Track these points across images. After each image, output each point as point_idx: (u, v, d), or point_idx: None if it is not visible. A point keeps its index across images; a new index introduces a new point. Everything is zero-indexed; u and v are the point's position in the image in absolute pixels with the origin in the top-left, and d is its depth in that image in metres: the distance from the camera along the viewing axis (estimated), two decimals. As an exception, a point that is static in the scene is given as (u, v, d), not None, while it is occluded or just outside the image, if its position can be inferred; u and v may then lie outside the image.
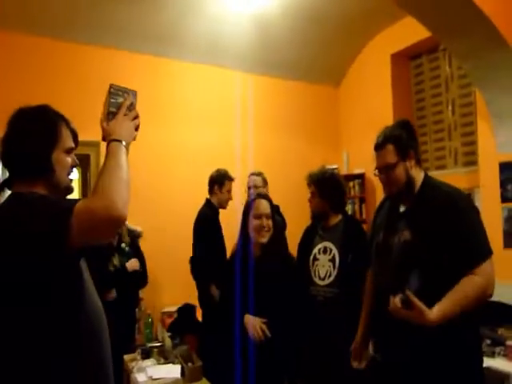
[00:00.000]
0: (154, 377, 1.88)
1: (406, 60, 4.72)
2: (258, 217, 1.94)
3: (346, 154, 5.11)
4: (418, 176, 1.66)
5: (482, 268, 1.47)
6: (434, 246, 1.51)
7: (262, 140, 4.52)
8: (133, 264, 2.67)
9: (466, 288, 1.45)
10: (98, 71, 3.72)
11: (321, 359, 2.11)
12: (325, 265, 2.12)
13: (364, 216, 4.70)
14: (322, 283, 2.10)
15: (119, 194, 0.96)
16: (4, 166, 1.15)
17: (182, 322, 3.27)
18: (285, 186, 4.24)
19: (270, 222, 1.96)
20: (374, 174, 1.72)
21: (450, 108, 4.22)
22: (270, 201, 2.06)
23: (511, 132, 3.28)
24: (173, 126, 4.17)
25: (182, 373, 2.01)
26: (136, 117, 1.16)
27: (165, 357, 2.21)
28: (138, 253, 2.87)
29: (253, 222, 1.95)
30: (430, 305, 1.42)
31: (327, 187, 2.19)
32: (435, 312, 1.40)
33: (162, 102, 4.14)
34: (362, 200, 4.78)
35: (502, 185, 3.33)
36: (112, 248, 2.71)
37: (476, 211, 1.60)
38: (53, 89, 3.36)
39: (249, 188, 3.07)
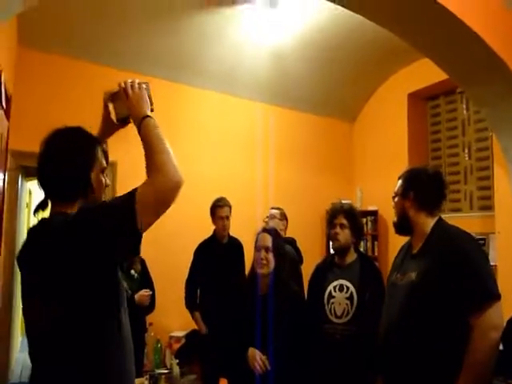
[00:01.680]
0: (161, 406, 1.86)
1: (423, 100, 4.79)
2: (258, 249, 2.04)
3: (359, 190, 5.13)
4: (424, 220, 1.72)
5: (485, 316, 1.45)
6: (436, 287, 1.54)
7: (277, 171, 4.58)
8: (142, 298, 2.67)
9: (475, 354, 1.45)
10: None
11: None
12: (341, 303, 2.10)
13: (376, 253, 4.68)
14: (339, 321, 2.08)
15: (170, 163, 1.07)
16: (41, 186, 1.18)
17: (189, 348, 3.24)
18: (298, 218, 4.26)
19: (270, 256, 2.01)
20: (392, 197, 1.86)
21: (466, 151, 4.25)
22: (275, 236, 2.11)
23: (527, 179, 3.28)
24: (189, 154, 4.23)
25: (188, 404, 1.99)
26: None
27: (172, 385, 2.20)
28: (147, 281, 2.88)
29: (254, 255, 2.06)
30: (424, 344, 1.51)
31: (358, 220, 2.23)
32: None
33: (179, 128, 4.21)
34: (375, 237, 4.78)
35: (518, 232, 3.31)
36: (123, 269, 2.73)
37: (482, 254, 1.63)
38: (81, 109, 3.47)
39: (267, 218, 3.12)
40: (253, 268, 2.06)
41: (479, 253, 1.62)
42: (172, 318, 3.72)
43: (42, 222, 1.12)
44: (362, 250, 4.62)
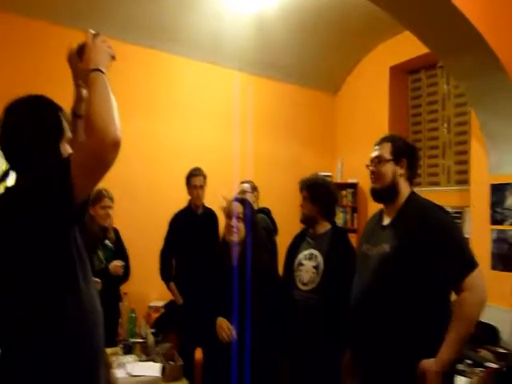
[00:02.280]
0: (133, 373, 1.85)
1: (405, 74, 4.76)
2: (229, 217, 2.06)
3: (340, 163, 5.13)
4: (405, 190, 1.72)
5: (470, 281, 1.49)
6: (410, 260, 1.55)
7: (257, 142, 4.51)
8: (116, 269, 2.63)
9: (458, 319, 1.50)
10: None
11: (300, 363, 2.12)
12: (309, 271, 2.14)
13: (355, 225, 4.73)
14: (304, 288, 2.12)
15: (110, 121, 0.97)
16: (6, 159, 1.11)
17: (167, 318, 3.25)
18: (278, 190, 4.25)
19: (241, 224, 2.03)
20: (366, 165, 1.77)
21: (445, 126, 4.27)
22: (247, 205, 2.11)
23: (503, 154, 3.33)
24: (167, 123, 4.14)
25: (163, 371, 1.98)
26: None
27: (146, 353, 2.18)
28: (122, 250, 2.84)
29: (225, 223, 2.08)
30: (398, 315, 1.54)
31: (319, 193, 2.22)
32: (432, 362, 1.49)
33: (158, 96, 4.10)
34: (354, 209, 4.82)
35: (492, 206, 3.37)
36: (98, 241, 2.68)
37: (457, 227, 1.67)
38: (48, 75, 3.30)
39: (241, 192, 3.11)
40: (224, 237, 2.06)
41: (455, 225, 1.65)
42: (151, 287, 3.71)
43: (5, 192, 1.08)
44: (341, 221, 4.69)
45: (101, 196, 2.63)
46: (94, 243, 2.62)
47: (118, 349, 2.23)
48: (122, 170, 3.71)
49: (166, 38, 4.07)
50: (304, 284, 2.13)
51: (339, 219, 4.78)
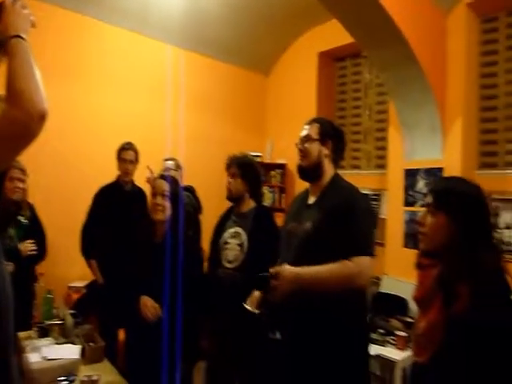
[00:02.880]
0: (48, 357, 1.73)
1: (332, 60, 4.92)
2: (154, 195, 2.01)
3: (270, 144, 5.20)
4: (329, 171, 1.79)
5: (359, 258, 1.57)
6: (328, 237, 1.62)
7: (188, 118, 4.39)
8: (27, 248, 2.45)
9: (333, 266, 1.56)
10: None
11: (224, 339, 2.16)
12: (233, 249, 2.17)
13: (283, 205, 4.85)
14: (229, 266, 2.15)
15: (34, 91, 0.91)
16: None
17: (89, 299, 3.09)
18: (206, 168, 4.20)
19: (166, 202, 1.98)
20: (296, 144, 1.83)
21: (367, 113, 4.51)
22: (172, 182, 2.06)
23: (416, 141, 3.62)
24: (92, 92, 3.86)
25: (83, 353, 1.89)
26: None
27: (65, 336, 2.06)
28: (37, 228, 2.64)
29: (150, 201, 2.02)
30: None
31: (249, 170, 2.25)
32: (289, 268, 1.59)
33: (84, 64, 3.81)
34: (282, 190, 4.94)
35: (406, 190, 3.67)
36: (9, 217, 2.45)
37: (372, 214, 1.76)
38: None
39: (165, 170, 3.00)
40: (149, 215, 1.99)
41: (370, 211, 1.73)
42: (72, 267, 3.50)
43: None
44: (269, 201, 4.79)
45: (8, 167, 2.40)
46: (5, 220, 2.39)
47: (32, 332, 2.08)
48: (44, 140, 3.41)
49: (95, 4, 3.77)
50: (229, 262, 2.16)
51: (268, 199, 4.88)
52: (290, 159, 4.79)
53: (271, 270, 1.62)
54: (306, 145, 1.78)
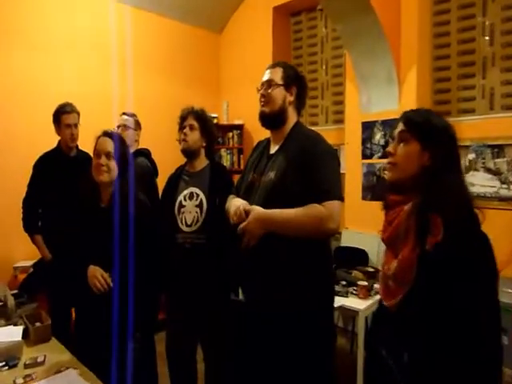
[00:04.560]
0: (-15, 342, 1.60)
1: (287, 15, 4.73)
2: (97, 155, 1.79)
3: (226, 104, 5.00)
4: (292, 119, 1.70)
5: (329, 203, 1.50)
6: (292, 185, 1.54)
7: (137, 79, 4.10)
8: None
9: (304, 208, 1.49)
10: None
11: (186, 304, 2.07)
12: (191, 211, 2.03)
13: (242, 167, 4.73)
14: (189, 230, 2.02)
15: None
16: None
17: (37, 277, 2.91)
18: (159, 131, 3.98)
19: (112, 163, 1.79)
20: (257, 89, 1.73)
21: (323, 68, 4.39)
22: (118, 140, 1.85)
23: (372, 93, 3.56)
24: (29, 56, 3.50)
25: (26, 334, 1.76)
26: None
27: (6, 318, 1.91)
28: None
29: (93, 161, 1.81)
30: (285, 243, 1.52)
31: (209, 124, 2.14)
32: (259, 208, 1.54)
33: (17, 26, 3.43)
34: (240, 151, 4.80)
35: (363, 143, 3.63)
36: None
37: (335, 159, 1.66)
38: None
39: (118, 127, 2.75)
40: (92, 177, 1.81)
41: (333, 156, 1.63)
42: (15, 246, 3.28)
43: None
44: (228, 163, 4.65)
45: None
46: None
47: (-30, 317, 1.91)
48: None
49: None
50: (188, 226, 2.02)
51: (226, 161, 4.74)
52: (248, 119, 4.64)
53: (240, 207, 1.54)
54: (270, 90, 1.67)
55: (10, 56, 3.41)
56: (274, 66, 1.73)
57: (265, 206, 1.56)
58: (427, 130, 1.14)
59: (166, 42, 4.59)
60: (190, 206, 2.04)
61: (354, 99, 3.72)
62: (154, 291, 1.99)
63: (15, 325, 1.82)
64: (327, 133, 4.18)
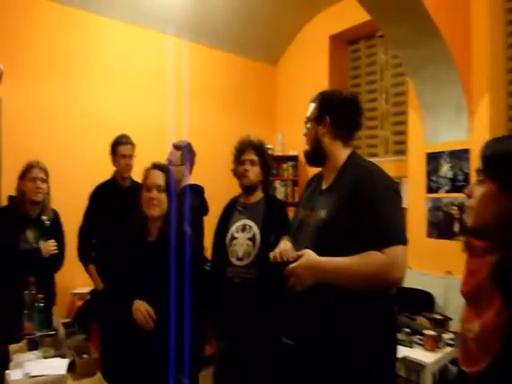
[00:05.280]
0: (31, 374, 1.56)
1: (345, 43, 4.67)
2: (148, 188, 1.76)
3: (281, 135, 4.97)
4: (339, 151, 1.53)
5: (391, 249, 1.29)
6: (346, 226, 1.36)
7: (193, 113, 4.19)
8: (49, 248, 2.28)
9: (361, 257, 1.30)
10: (12, 17, 3.23)
11: (234, 344, 1.95)
12: (243, 244, 1.94)
13: (296, 199, 4.62)
14: (239, 264, 1.92)
15: None
16: None
17: (92, 306, 2.94)
18: (213, 161, 3.99)
19: (163, 196, 1.76)
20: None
21: (383, 96, 4.23)
22: (169, 173, 1.83)
23: (438, 123, 3.33)
24: (89, 90, 3.71)
25: (72, 367, 1.72)
26: None
27: (56, 348, 1.90)
28: (59, 231, 2.49)
29: (143, 195, 1.78)
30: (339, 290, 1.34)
31: (267, 157, 2.06)
32: (312, 253, 1.36)
33: (79, 62, 3.66)
34: (295, 183, 4.69)
35: (428, 175, 3.38)
36: (26, 219, 2.32)
37: (397, 194, 1.45)
38: None
39: (168, 162, 2.75)
40: (141, 211, 1.78)
41: (392, 192, 1.42)
42: (75, 272, 3.35)
43: None
44: (282, 195, 4.55)
45: (29, 167, 2.35)
46: (23, 221, 2.30)
47: (22, 344, 1.92)
48: (33, 142, 3.35)
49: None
50: (239, 259, 1.93)
51: (280, 193, 4.65)
52: (302, 150, 4.54)
53: (293, 254, 1.39)
54: (307, 126, 1.58)
55: (77, 91, 3.63)
56: (312, 99, 1.62)
57: (315, 248, 1.40)
58: (503, 165, 0.95)
59: (221, 75, 4.68)
60: (242, 239, 1.95)
61: (417, 129, 3.50)
62: (204, 328, 1.91)
63: (63, 356, 1.80)
64: (387, 165, 4.00)
